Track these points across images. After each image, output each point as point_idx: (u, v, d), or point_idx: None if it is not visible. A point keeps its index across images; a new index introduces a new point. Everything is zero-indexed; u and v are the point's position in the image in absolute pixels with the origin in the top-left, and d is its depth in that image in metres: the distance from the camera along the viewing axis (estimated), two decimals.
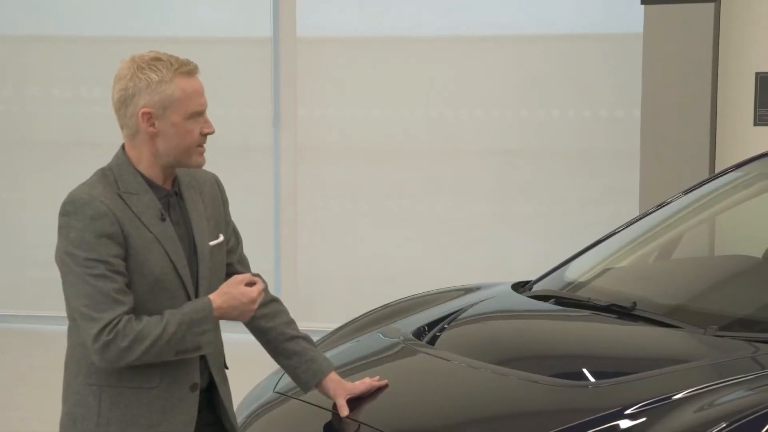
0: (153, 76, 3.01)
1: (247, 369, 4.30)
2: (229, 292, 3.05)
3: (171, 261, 3.05)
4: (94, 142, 8.36)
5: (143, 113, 3.02)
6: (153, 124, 3.03)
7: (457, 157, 8.10)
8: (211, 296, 3.04)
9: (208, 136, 3.12)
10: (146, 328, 2.93)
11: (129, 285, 2.99)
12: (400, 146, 8.20)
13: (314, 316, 8.14)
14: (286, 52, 8.25)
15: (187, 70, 3.05)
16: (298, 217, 8.30)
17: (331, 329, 4.40)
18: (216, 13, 8.38)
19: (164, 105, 3.01)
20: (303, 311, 8.19)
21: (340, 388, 3.41)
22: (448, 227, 8.15)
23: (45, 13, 8.69)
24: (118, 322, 2.92)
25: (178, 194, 3.16)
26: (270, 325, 3.40)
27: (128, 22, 8.47)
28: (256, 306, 3.08)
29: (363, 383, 3.47)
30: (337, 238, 8.29)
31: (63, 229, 2.99)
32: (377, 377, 3.50)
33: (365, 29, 8.19)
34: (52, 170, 8.65)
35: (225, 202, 3.33)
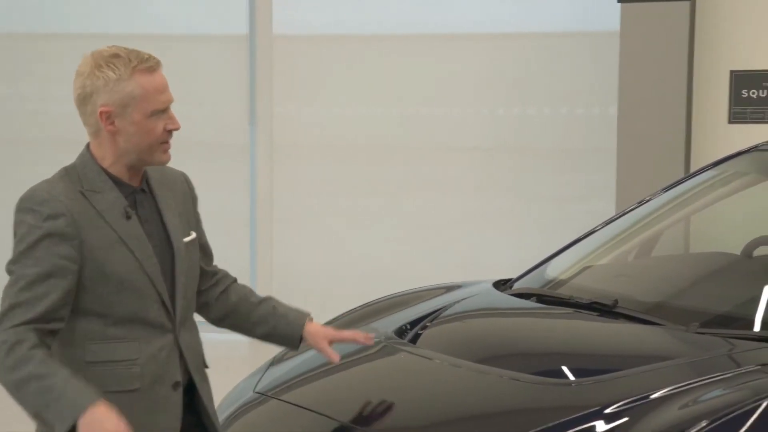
0: (111, 74, 2.95)
1: (227, 370, 4.27)
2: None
3: (137, 259, 3.00)
4: (61, 139, 8.33)
5: (101, 112, 2.96)
6: (113, 123, 2.97)
7: (433, 154, 8.10)
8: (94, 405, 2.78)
9: (176, 133, 3.07)
10: (26, 358, 2.78)
11: (83, 289, 2.94)
12: (377, 144, 8.19)
13: None
14: (262, 50, 8.23)
15: (147, 66, 2.98)
16: (274, 215, 8.28)
17: None
18: (191, 10, 8.34)
19: (123, 103, 2.95)
20: None
21: (320, 336, 3.37)
22: (424, 225, 8.15)
23: (13, 9, 8.63)
24: (14, 333, 2.81)
25: (148, 191, 3.12)
26: (234, 299, 3.39)
27: (100, 18, 8.42)
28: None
29: (348, 332, 3.47)
30: (314, 236, 8.28)
31: (17, 225, 2.95)
32: (371, 334, 3.50)
33: (342, 27, 8.17)
34: (19, 168, 8.58)
35: (194, 199, 3.29)
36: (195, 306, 3.23)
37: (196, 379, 3.17)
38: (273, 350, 4.32)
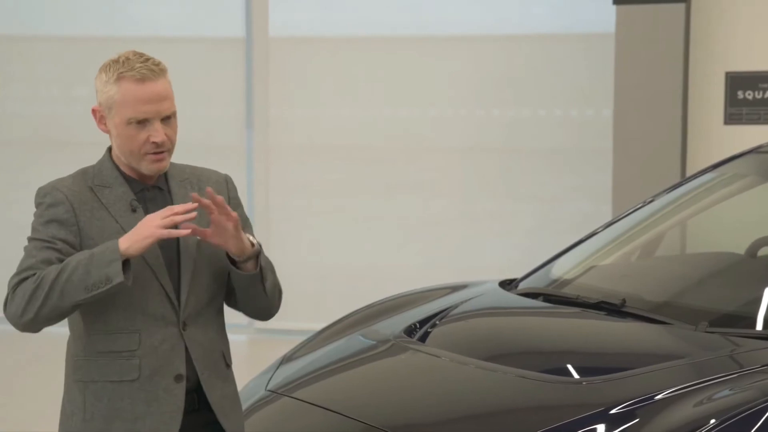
0: (103, 76, 3.07)
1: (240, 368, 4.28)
2: (137, 225, 3.00)
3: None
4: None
5: (93, 110, 3.10)
6: (104, 123, 3.09)
7: (429, 155, 8.12)
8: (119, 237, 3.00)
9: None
10: (40, 277, 2.96)
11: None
12: (373, 145, 8.20)
13: (286, 315, 8.10)
14: (258, 52, 8.24)
15: (132, 75, 3.03)
16: (270, 216, 8.29)
17: (303, 327, 4.40)
18: (189, 13, 8.35)
19: (108, 106, 3.06)
20: None
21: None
22: (420, 225, 8.17)
23: (12, 11, 8.63)
24: (18, 285, 2.99)
25: (166, 189, 3.16)
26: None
27: (99, 21, 8.43)
28: (158, 221, 2.95)
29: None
30: (310, 237, 8.29)
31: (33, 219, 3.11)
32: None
33: (338, 30, 8.19)
34: (19, 170, 8.58)
35: (232, 199, 3.28)
36: (217, 304, 3.23)
37: (203, 377, 3.16)
38: (274, 349, 4.35)
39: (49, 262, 2.99)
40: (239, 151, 8.33)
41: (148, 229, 2.94)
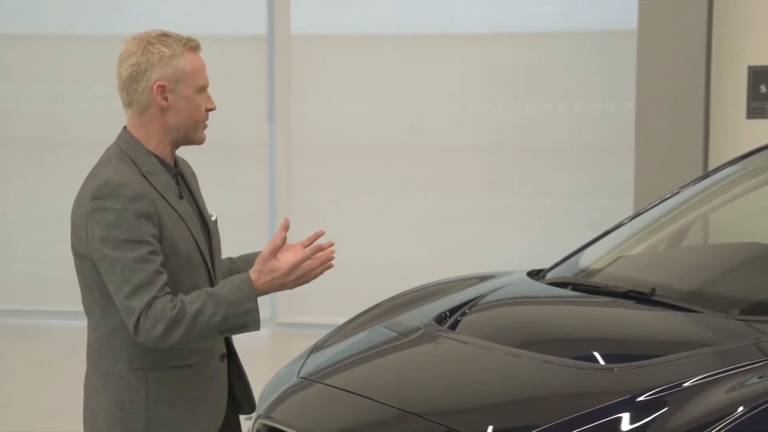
0: (165, 50, 3.06)
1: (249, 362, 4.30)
2: (262, 270, 3.01)
3: (193, 237, 3.11)
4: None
5: (158, 86, 3.06)
6: (166, 98, 3.07)
7: (450, 152, 8.13)
8: (251, 273, 3.01)
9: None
10: (180, 313, 2.92)
11: (163, 264, 3.01)
12: (394, 142, 8.22)
13: (308, 309, 8.19)
14: (280, 50, 8.27)
15: (194, 45, 3.12)
16: (293, 212, 8.32)
17: (323, 321, 4.41)
18: (211, 10, 8.39)
19: (176, 78, 3.07)
20: (297, 304, 8.24)
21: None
22: (441, 222, 8.18)
23: (23, 10, 8.65)
24: (150, 306, 2.92)
25: (181, 174, 3.23)
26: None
27: (121, 19, 8.46)
28: (294, 276, 3.05)
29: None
30: (331, 233, 8.29)
31: (98, 212, 2.98)
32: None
33: (358, 27, 8.22)
34: (31, 167, 8.60)
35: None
36: None
37: (236, 348, 3.31)
38: (295, 343, 4.36)
39: (157, 272, 2.95)
40: (262, 148, 8.36)
41: (285, 278, 3.02)
